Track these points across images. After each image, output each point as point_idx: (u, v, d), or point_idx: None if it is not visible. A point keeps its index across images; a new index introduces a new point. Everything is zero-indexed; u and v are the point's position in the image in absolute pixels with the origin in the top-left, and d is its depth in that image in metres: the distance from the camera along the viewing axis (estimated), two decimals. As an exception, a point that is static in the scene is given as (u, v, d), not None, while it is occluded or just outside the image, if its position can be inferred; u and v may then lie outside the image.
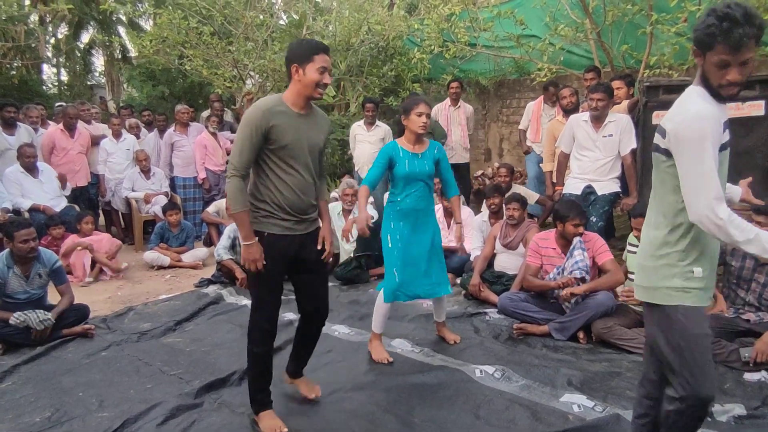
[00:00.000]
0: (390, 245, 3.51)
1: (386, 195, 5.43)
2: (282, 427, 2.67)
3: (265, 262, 2.57)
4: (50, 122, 7.30)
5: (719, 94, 1.82)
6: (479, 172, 7.89)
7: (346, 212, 5.76)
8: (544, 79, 6.18)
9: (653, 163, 1.96)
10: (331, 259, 3.12)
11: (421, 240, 3.54)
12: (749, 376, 3.12)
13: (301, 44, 2.59)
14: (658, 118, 5.08)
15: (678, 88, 4.96)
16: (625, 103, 5.16)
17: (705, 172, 1.75)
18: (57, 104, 8.20)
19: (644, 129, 4.99)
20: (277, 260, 2.61)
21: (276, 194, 2.59)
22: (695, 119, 1.77)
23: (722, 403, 2.83)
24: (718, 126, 1.79)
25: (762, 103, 4.61)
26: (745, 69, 1.76)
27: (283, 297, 2.80)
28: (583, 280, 3.83)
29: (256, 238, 2.56)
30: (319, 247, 2.78)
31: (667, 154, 1.86)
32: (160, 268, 6.04)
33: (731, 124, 2.01)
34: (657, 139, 1.91)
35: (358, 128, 6.93)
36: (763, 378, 3.11)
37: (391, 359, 3.49)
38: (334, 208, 5.90)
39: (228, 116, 8.14)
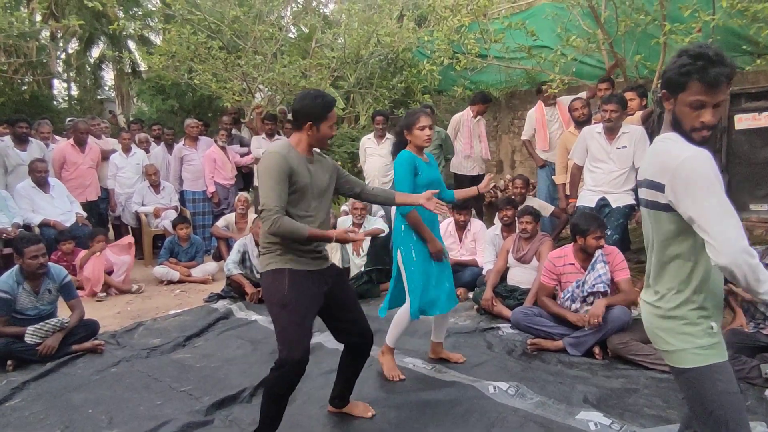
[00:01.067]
0: (414, 258, 3.43)
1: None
2: None
3: (290, 293, 2.57)
4: (57, 137, 7.40)
5: (692, 139, 1.75)
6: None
7: (357, 226, 5.78)
8: (556, 91, 6.18)
9: (648, 221, 1.89)
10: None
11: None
12: (771, 393, 3.08)
13: (315, 102, 2.65)
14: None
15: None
16: (639, 114, 5.15)
17: (726, 210, 1.63)
18: (68, 119, 8.31)
19: (659, 140, 4.98)
20: (303, 293, 2.60)
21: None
22: (698, 158, 1.68)
23: (743, 420, 2.79)
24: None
25: None
26: (717, 112, 1.73)
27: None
28: (605, 294, 3.81)
29: (334, 232, 2.63)
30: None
31: (668, 208, 1.75)
32: (170, 282, 6.08)
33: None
34: (649, 195, 1.81)
35: (368, 141, 6.96)
36: (785, 395, 3.07)
37: (403, 376, 3.48)
38: (344, 221, 5.93)
39: (245, 132, 8.23)
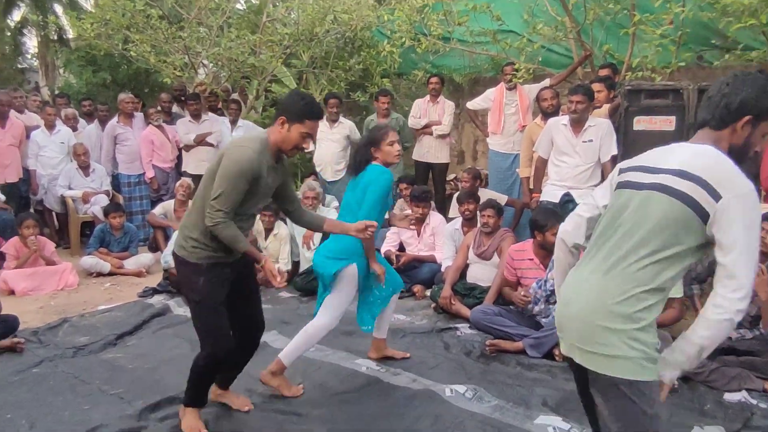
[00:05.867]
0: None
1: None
2: (202, 428, 2.84)
3: (205, 290, 2.73)
4: None
5: (742, 161, 1.82)
6: (452, 176, 7.98)
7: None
8: (520, 80, 6.29)
9: (663, 206, 1.75)
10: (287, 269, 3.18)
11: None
12: (730, 397, 3.24)
13: (299, 101, 2.70)
14: (640, 123, 5.25)
15: (661, 93, 5.15)
16: (606, 107, 5.31)
17: (755, 259, 1.69)
18: None
19: (626, 135, 5.15)
20: (216, 286, 2.76)
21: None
22: (752, 188, 1.71)
23: (702, 425, 2.94)
24: None
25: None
26: None
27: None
28: None
29: (266, 257, 2.81)
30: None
31: (705, 218, 1.70)
32: (99, 275, 5.93)
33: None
34: (692, 190, 1.72)
35: (320, 125, 6.93)
36: (743, 399, 3.24)
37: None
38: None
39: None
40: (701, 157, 1.77)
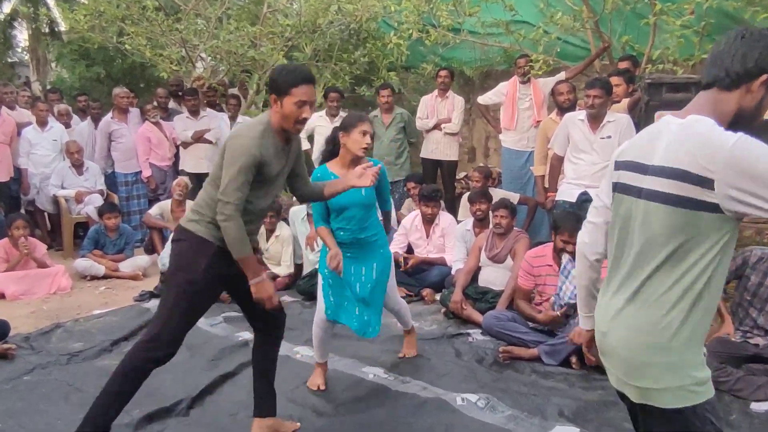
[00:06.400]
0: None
1: None
2: None
3: (203, 274, 2.64)
4: None
5: (750, 126, 1.67)
6: (462, 174, 7.98)
7: (310, 216, 5.76)
8: (539, 73, 6.28)
9: (669, 219, 1.62)
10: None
11: (358, 272, 3.56)
12: (757, 407, 3.23)
13: (281, 72, 2.65)
14: (660, 118, 5.22)
15: (683, 87, 5.12)
16: (625, 101, 5.29)
17: None
18: None
19: (646, 131, 5.12)
20: (213, 280, 2.70)
21: None
22: (737, 137, 1.55)
23: (728, 436, 2.92)
24: None
25: None
26: None
27: (236, 314, 2.82)
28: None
29: (265, 274, 2.70)
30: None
31: (716, 209, 1.55)
32: (94, 278, 5.96)
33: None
34: (681, 189, 1.59)
35: (319, 119, 6.96)
36: (771, 409, 3.22)
37: (323, 387, 3.52)
38: (298, 213, 5.92)
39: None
40: (683, 140, 1.62)
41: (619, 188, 1.80)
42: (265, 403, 3.00)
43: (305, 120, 2.66)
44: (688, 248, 1.61)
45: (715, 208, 1.55)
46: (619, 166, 1.81)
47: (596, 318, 1.88)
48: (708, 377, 1.68)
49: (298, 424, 3.12)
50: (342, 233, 3.46)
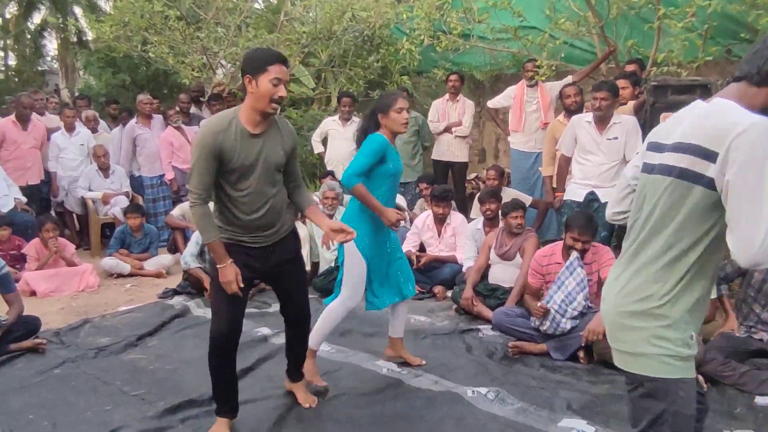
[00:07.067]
0: (360, 249, 3.40)
1: None
2: None
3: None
4: None
5: None
6: (473, 175, 7.96)
7: (328, 216, 5.78)
8: (543, 78, 6.26)
9: (668, 191, 1.68)
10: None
11: (385, 241, 3.54)
12: (761, 400, 3.19)
13: (255, 53, 2.69)
14: (665, 119, 5.18)
15: (688, 89, 5.07)
16: (631, 103, 5.25)
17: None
18: (8, 97, 8.11)
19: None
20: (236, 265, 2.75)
21: (227, 213, 2.76)
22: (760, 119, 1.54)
23: (732, 429, 2.90)
24: None
25: None
26: None
27: (255, 311, 2.86)
28: (582, 314, 3.87)
29: (230, 260, 2.70)
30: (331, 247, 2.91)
31: (711, 185, 1.58)
32: (120, 276, 6.00)
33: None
34: (688, 162, 1.63)
35: (332, 123, 6.96)
36: (775, 402, 3.19)
37: (324, 383, 3.44)
38: (314, 212, 5.91)
39: (207, 113, 8.14)
40: (703, 119, 1.65)
41: (642, 168, 1.86)
42: (294, 371, 3.27)
43: (281, 99, 2.62)
44: (681, 228, 1.66)
45: (709, 183, 1.58)
46: (647, 146, 1.87)
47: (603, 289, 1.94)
48: (689, 357, 1.71)
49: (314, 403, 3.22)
50: (384, 199, 3.41)
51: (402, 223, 3.42)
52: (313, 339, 3.40)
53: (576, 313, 3.86)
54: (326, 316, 3.47)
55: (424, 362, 3.77)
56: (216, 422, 2.92)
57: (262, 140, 2.71)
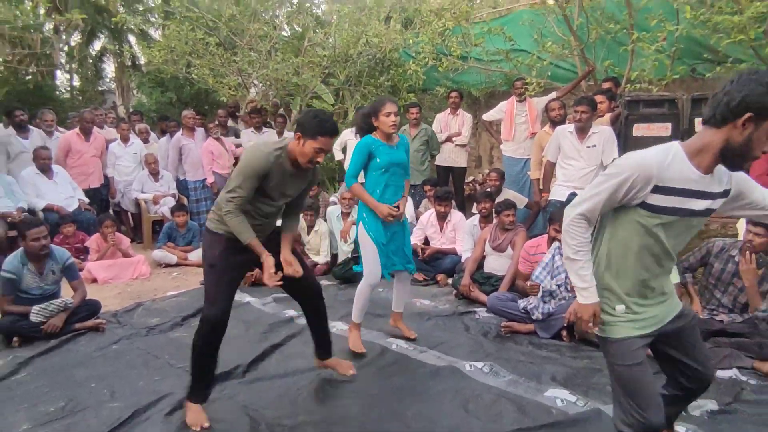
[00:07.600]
0: (367, 227, 3.48)
1: None
2: (204, 422, 2.67)
3: (220, 258, 2.67)
4: (60, 128, 7.27)
5: (741, 164, 1.67)
6: (470, 179, 7.92)
7: (345, 215, 5.79)
8: (531, 94, 6.21)
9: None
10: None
11: (394, 226, 3.53)
12: (722, 374, 3.16)
13: (313, 119, 2.60)
14: (639, 130, 5.14)
15: (658, 103, 5.03)
16: (608, 116, 5.20)
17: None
18: (72, 113, 8.18)
19: (626, 140, 5.05)
20: (230, 259, 2.69)
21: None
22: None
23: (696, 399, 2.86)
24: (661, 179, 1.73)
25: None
26: None
27: (283, 295, 2.82)
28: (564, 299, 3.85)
29: (269, 253, 2.65)
30: (278, 279, 2.68)
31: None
32: (168, 266, 6.04)
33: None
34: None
35: (349, 134, 6.94)
36: (734, 375, 3.16)
37: (364, 350, 3.51)
38: (334, 211, 5.94)
39: (241, 125, 8.17)
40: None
41: None
42: (322, 348, 3.16)
43: (318, 163, 2.62)
44: (601, 225, 1.95)
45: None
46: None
47: None
48: (609, 322, 1.93)
49: (352, 364, 3.21)
50: (386, 191, 3.45)
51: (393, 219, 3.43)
52: (353, 315, 3.57)
53: (555, 288, 3.88)
54: (357, 296, 3.57)
55: (415, 335, 3.78)
56: (190, 409, 2.71)
57: (296, 176, 2.73)
